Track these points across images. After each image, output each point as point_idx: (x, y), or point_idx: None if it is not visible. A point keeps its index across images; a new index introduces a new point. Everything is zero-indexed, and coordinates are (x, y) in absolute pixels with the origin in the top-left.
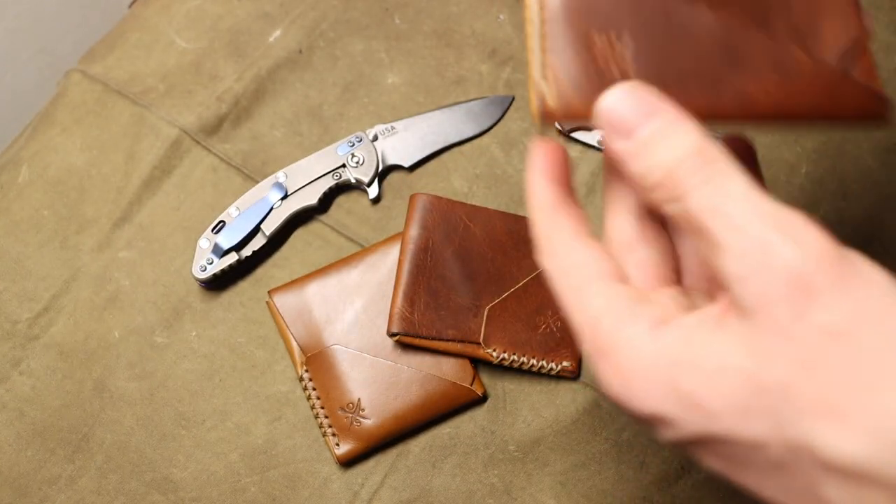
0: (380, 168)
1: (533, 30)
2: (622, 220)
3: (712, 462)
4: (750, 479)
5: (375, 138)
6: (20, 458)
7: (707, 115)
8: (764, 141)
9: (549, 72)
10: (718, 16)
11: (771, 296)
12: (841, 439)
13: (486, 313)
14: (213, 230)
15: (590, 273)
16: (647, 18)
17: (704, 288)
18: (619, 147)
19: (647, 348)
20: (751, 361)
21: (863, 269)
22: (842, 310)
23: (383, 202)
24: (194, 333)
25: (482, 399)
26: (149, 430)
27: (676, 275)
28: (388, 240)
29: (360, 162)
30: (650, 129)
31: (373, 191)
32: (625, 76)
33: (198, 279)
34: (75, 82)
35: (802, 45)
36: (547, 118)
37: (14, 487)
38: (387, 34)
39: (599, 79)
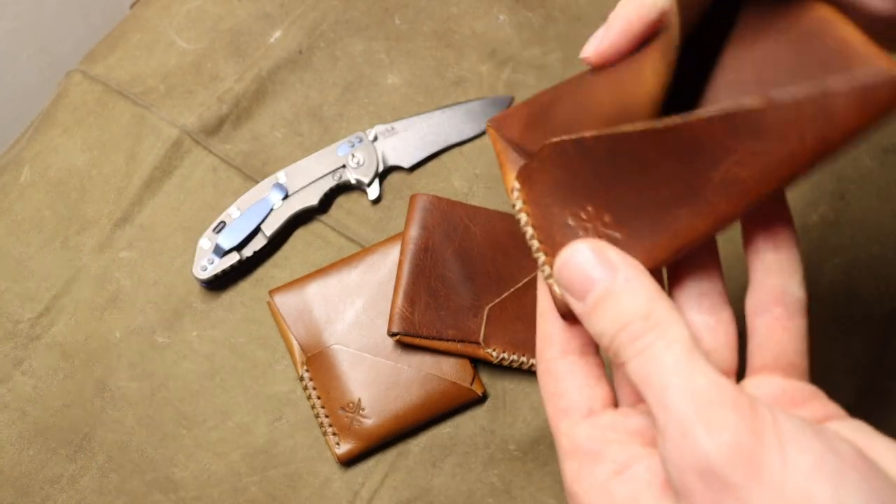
0: (380, 168)
1: (523, 219)
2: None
3: None
4: None
5: (375, 139)
6: (22, 458)
7: (708, 234)
8: None
9: (548, 260)
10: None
11: (689, 485)
12: None
13: (486, 313)
14: (213, 230)
15: (564, 408)
16: (604, 175)
17: None
18: (574, 305)
19: (599, 499)
20: None
21: (788, 452)
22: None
23: (383, 202)
24: (195, 333)
25: (482, 399)
26: (150, 430)
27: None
28: (389, 240)
29: (361, 162)
30: (595, 294)
31: (373, 191)
32: (613, 242)
33: (198, 279)
34: (76, 83)
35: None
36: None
37: (16, 487)
38: (387, 35)
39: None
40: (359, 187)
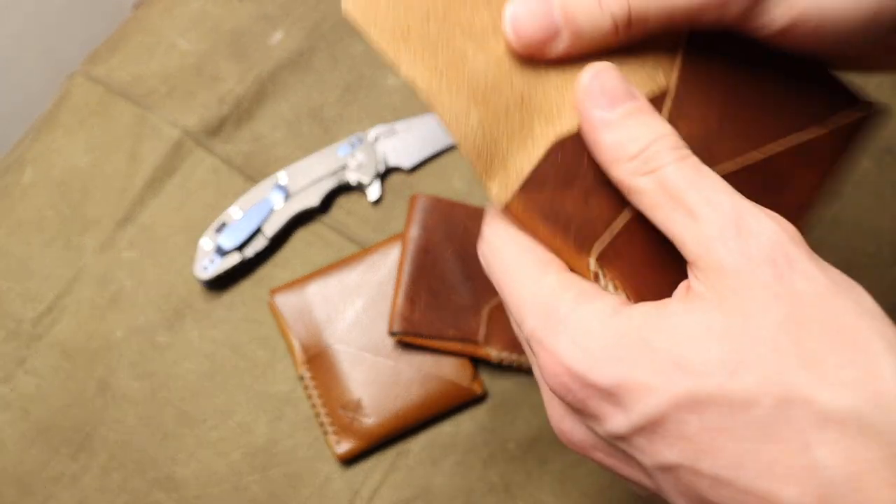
0: (380, 169)
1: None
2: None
3: (679, 444)
4: (734, 451)
5: (376, 139)
6: (25, 457)
7: None
8: None
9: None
10: None
11: (753, 258)
12: (833, 392)
13: (486, 313)
14: (214, 230)
15: (544, 259)
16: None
17: None
18: (599, 115)
19: (614, 319)
20: (735, 320)
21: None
22: (818, 279)
23: (384, 203)
24: (196, 333)
25: (482, 398)
26: (151, 429)
27: None
28: (389, 240)
29: (361, 163)
30: (631, 106)
31: (373, 192)
32: None
33: (200, 279)
34: (78, 84)
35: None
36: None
37: (19, 485)
38: None
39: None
40: (359, 188)
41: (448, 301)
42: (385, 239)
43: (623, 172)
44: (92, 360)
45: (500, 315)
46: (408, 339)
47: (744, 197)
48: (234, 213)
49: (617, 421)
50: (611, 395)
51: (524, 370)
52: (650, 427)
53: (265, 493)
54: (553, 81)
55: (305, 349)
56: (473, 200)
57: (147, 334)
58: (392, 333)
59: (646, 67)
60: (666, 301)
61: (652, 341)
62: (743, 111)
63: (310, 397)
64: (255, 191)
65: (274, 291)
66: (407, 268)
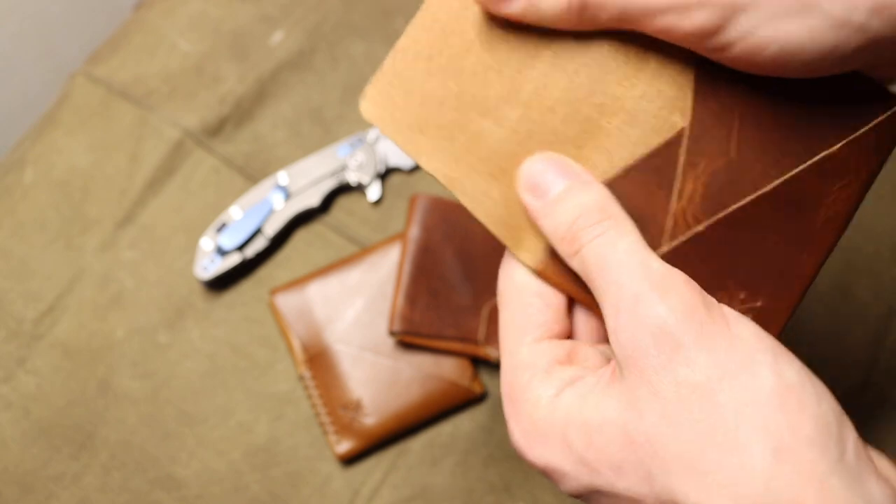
0: (380, 169)
1: None
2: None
3: None
4: None
5: (376, 140)
6: (26, 456)
7: None
8: None
9: None
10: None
11: (640, 348)
12: (703, 498)
13: (486, 313)
14: (215, 231)
15: (528, 325)
16: None
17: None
18: (533, 205)
19: (547, 408)
20: (625, 415)
21: (731, 326)
22: (703, 366)
23: (384, 203)
24: (197, 333)
25: (482, 398)
26: (152, 429)
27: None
28: (389, 240)
29: (361, 163)
30: (558, 189)
31: (373, 192)
32: None
33: (200, 279)
34: (79, 85)
35: None
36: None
37: (20, 484)
38: (388, 36)
39: None
40: (359, 188)
41: (448, 301)
42: (385, 239)
43: (562, 254)
44: (93, 360)
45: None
46: (408, 339)
47: (658, 265)
48: (235, 213)
49: (558, 485)
50: (543, 472)
51: None
52: (579, 497)
53: (265, 492)
54: (570, 143)
55: (306, 349)
56: None
57: (148, 334)
58: (392, 333)
59: (662, 112)
60: (593, 384)
61: (568, 434)
62: (764, 136)
63: (310, 397)
64: (255, 191)
65: (274, 291)
66: (407, 268)
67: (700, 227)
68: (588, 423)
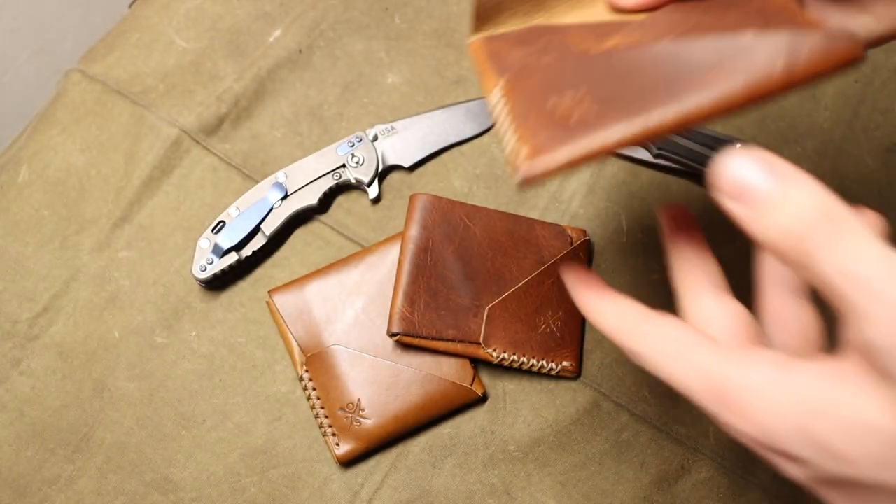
0: (380, 168)
1: (501, 115)
2: (699, 288)
3: (841, 500)
4: None
5: (375, 138)
6: (20, 459)
7: (678, 125)
8: (765, 142)
9: (521, 140)
10: (657, 46)
11: None
12: None
13: (486, 313)
14: (213, 230)
15: (686, 338)
16: (593, 71)
17: (794, 348)
18: (742, 214)
19: (776, 392)
20: (893, 424)
21: None
22: None
23: (383, 202)
24: (194, 333)
25: (482, 399)
26: (149, 431)
27: (762, 337)
28: (388, 240)
29: (360, 162)
30: (773, 193)
31: (373, 191)
32: (586, 119)
33: (198, 279)
34: (75, 82)
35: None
36: (527, 181)
37: (14, 488)
38: (387, 34)
39: (564, 130)
40: (358, 187)
41: (448, 301)
42: (385, 238)
43: (788, 265)
44: (89, 361)
45: (500, 315)
46: (407, 340)
47: None
48: (233, 212)
49: (792, 472)
50: (784, 458)
51: (524, 370)
52: (813, 482)
53: (263, 494)
54: None
55: (304, 349)
56: (473, 200)
57: (144, 335)
58: (391, 334)
59: None
60: (824, 373)
61: (811, 425)
62: None
63: (309, 398)
64: (253, 190)
65: (273, 291)
66: (406, 267)
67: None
68: (836, 417)
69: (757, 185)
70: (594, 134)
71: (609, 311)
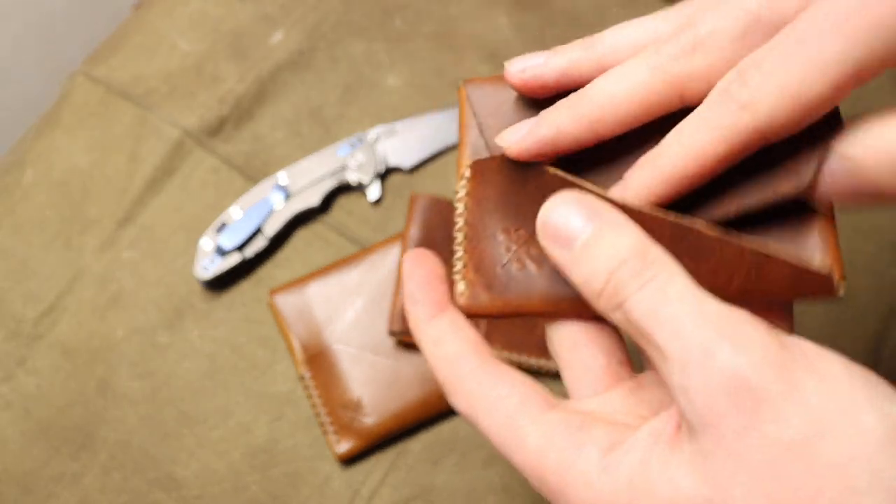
0: (380, 169)
1: (460, 208)
2: (561, 325)
3: None
4: None
5: (376, 139)
6: (25, 456)
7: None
8: None
9: (465, 270)
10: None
11: (715, 409)
12: None
13: None
14: (215, 231)
15: (515, 406)
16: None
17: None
18: (559, 257)
19: (602, 483)
20: (705, 490)
21: (815, 363)
22: (795, 419)
23: (384, 203)
24: (196, 333)
25: None
26: (151, 429)
27: (625, 365)
28: (389, 240)
29: (361, 163)
30: (586, 235)
31: (373, 192)
32: (527, 268)
33: (200, 279)
34: (79, 84)
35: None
36: (468, 314)
37: (20, 485)
38: (387, 36)
39: (501, 281)
40: (359, 188)
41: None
42: (385, 239)
43: (601, 309)
44: (92, 360)
45: None
46: (407, 339)
47: (717, 308)
48: (235, 213)
49: None
50: None
51: (524, 370)
52: None
53: (265, 492)
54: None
55: (305, 349)
56: None
57: (147, 334)
58: (392, 333)
59: None
60: (648, 446)
61: None
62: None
63: (310, 397)
64: (255, 191)
65: (274, 291)
66: None
67: (550, 170)
68: (659, 497)
69: (575, 228)
70: (526, 296)
71: (442, 349)
